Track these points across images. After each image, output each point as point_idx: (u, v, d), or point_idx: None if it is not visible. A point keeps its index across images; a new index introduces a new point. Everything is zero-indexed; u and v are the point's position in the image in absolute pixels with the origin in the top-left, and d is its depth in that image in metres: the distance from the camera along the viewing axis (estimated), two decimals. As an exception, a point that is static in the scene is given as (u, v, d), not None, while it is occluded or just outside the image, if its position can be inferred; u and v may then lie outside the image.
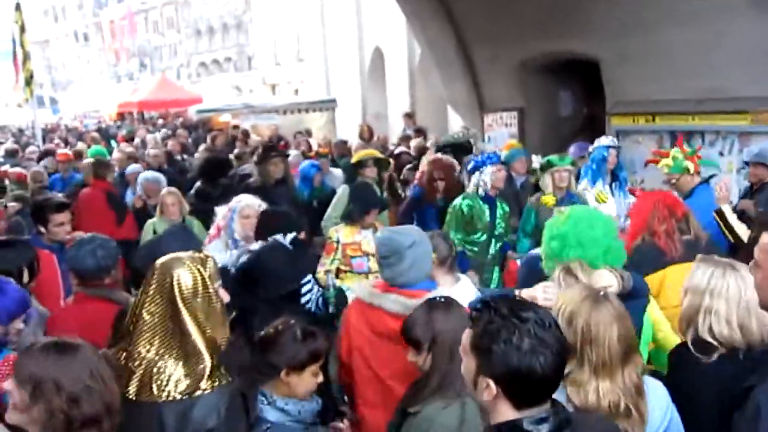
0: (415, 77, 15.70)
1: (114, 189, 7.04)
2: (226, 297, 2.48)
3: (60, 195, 5.35)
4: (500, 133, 9.60)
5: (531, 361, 1.53)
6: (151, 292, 2.35)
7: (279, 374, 2.40)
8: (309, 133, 12.29)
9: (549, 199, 5.45)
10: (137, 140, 15.00)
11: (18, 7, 17.91)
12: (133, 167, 8.40)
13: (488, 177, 5.25)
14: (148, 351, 2.31)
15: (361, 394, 2.92)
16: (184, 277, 2.33)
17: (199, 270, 2.35)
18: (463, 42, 9.32)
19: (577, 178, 6.02)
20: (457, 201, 5.30)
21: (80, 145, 13.60)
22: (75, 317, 3.39)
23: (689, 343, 2.45)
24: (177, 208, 5.71)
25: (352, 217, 4.96)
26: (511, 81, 9.09)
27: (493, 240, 5.27)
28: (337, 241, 4.87)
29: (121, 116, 25.27)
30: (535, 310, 1.61)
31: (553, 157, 5.66)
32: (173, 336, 2.32)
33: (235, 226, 4.17)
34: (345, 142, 10.94)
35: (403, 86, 16.16)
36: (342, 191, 6.26)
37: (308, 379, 2.45)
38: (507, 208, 5.48)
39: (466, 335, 1.65)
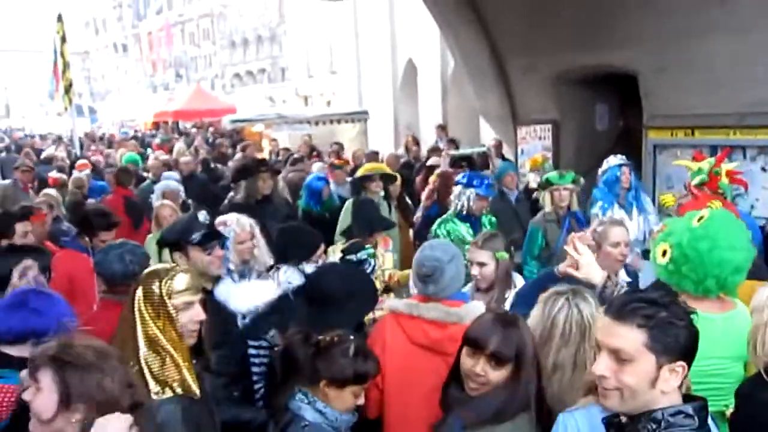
0: (447, 89, 15.68)
1: (133, 194, 7.06)
2: (200, 315, 2.45)
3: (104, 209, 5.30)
4: (534, 145, 9.45)
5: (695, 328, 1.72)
6: (128, 300, 2.44)
7: (318, 383, 2.37)
8: (341, 147, 12.31)
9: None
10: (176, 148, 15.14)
11: (60, 18, 18.35)
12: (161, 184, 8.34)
13: (466, 200, 5.13)
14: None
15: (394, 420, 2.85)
16: (146, 290, 2.38)
17: (162, 284, 2.38)
18: (496, 52, 9.21)
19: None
20: (434, 227, 5.20)
21: (110, 152, 13.81)
22: (99, 324, 3.38)
23: (760, 368, 2.33)
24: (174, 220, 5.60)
25: (352, 237, 4.80)
26: (546, 93, 8.94)
27: None
28: None
29: (156, 125, 25.69)
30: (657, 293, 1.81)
31: (552, 175, 5.52)
32: (132, 343, 2.36)
33: (230, 255, 3.71)
34: (376, 153, 10.91)
35: (435, 98, 16.14)
36: (347, 206, 6.10)
37: (347, 398, 2.40)
38: (493, 219, 5.33)
39: (635, 339, 1.68)
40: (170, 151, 14.55)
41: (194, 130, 22.96)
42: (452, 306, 2.82)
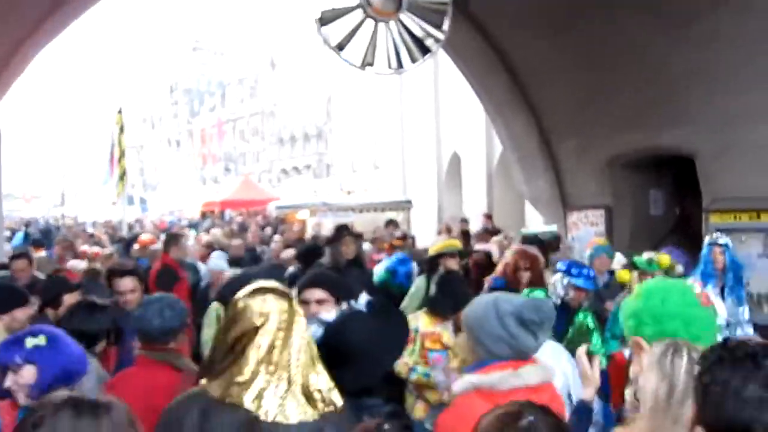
0: (492, 179, 15.69)
1: (173, 263, 6.93)
2: None
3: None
4: (586, 231, 9.14)
5: (751, 414, 1.23)
6: (284, 320, 2.18)
7: None
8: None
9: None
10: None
11: (120, 111, 19.32)
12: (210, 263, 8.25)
13: (563, 289, 4.70)
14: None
15: None
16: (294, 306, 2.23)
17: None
18: (546, 136, 9.15)
19: None
20: (523, 293, 4.87)
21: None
22: (135, 382, 3.18)
23: None
24: None
25: (436, 308, 4.55)
26: (598, 177, 8.74)
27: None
28: (416, 330, 4.41)
29: (203, 215, 26.25)
30: None
31: (640, 260, 5.22)
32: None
33: None
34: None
35: (480, 188, 16.16)
36: (419, 282, 6.00)
37: None
38: (590, 318, 4.74)
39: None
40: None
41: (239, 218, 23.34)
42: (532, 363, 2.41)
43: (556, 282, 4.82)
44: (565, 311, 4.70)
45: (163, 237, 12.30)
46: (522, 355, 2.35)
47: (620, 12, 6.94)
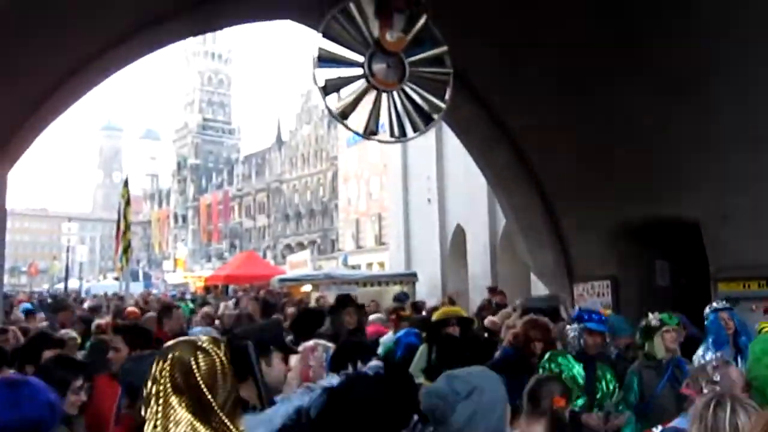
0: (496, 253, 15.65)
1: (166, 336, 6.82)
2: None
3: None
4: (592, 302, 8.98)
5: None
6: (173, 379, 2.01)
7: None
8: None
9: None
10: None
11: (126, 184, 19.52)
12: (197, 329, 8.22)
13: (578, 337, 4.79)
14: None
15: None
16: (205, 360, 2.03)
17: (217, 353, 2.06)
18: (549, 207, 9.14)
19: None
20: (543, 360, 4.69)
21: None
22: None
23: None
24: None
25: (433, 375, 4.45)
26: (603, 247, 8.67)
27: (595, 407, 4.63)
28: None
29: (206, 290, 26.07)
30: None
31: (664, 315, 5.15)
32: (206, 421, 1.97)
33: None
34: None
35: (484, 262, 16.09)
36: (422, 350, 5.82)
37: None
38: (611, 374, 4.79)
39: None
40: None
41: (241, 293, 23.19)
42: None
43: (573, 332, 4.88)
44: (586, 362, 4.67)
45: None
46: None
47: (619, 82, 7.07)
